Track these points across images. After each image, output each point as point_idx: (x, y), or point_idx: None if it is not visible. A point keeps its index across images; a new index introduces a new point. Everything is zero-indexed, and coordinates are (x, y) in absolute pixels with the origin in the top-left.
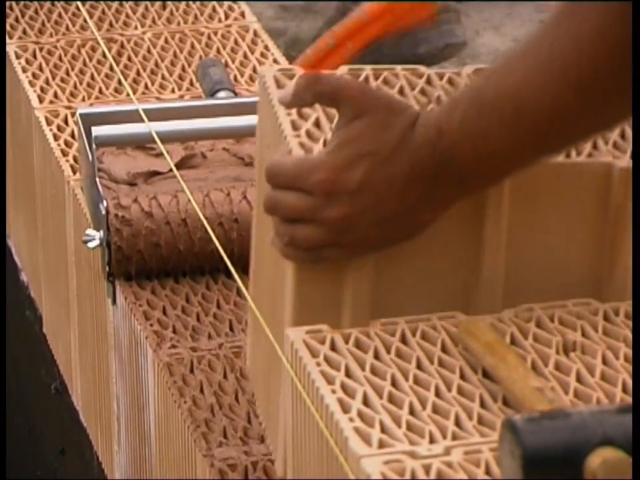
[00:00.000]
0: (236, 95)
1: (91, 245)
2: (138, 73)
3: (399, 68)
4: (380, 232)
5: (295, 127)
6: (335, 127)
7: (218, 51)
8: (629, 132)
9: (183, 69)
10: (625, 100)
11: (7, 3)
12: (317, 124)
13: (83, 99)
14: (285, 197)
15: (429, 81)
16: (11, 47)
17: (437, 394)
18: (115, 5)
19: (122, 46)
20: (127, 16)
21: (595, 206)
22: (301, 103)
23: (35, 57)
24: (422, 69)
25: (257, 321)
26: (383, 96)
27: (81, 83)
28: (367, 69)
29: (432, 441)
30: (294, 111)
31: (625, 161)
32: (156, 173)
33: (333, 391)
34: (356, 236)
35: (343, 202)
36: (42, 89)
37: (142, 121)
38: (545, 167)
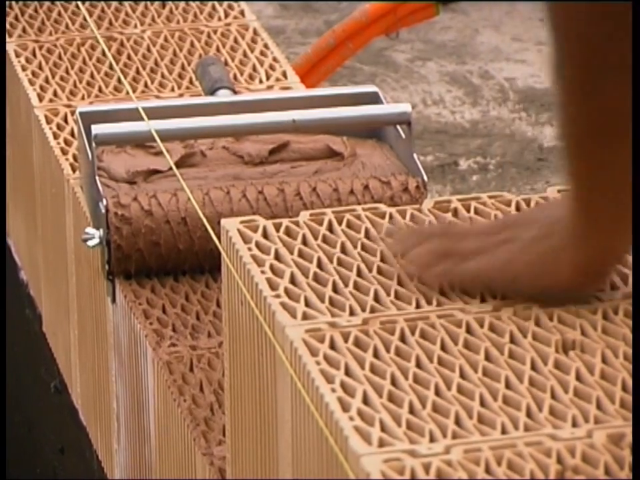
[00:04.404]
0: (235, 93)
1: (90, 243)
2: (137, 72)
3: (359, 209)
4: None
5: (271, 285)
6: None
7: (217, 50)
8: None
9: (183, 67)
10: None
11: (7, 2)
12: (293, 281)
13: (83, 98)
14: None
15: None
16: (10, 46)
17: (437, 392)
18: (115, 3)
19: (121, 44)
20: (127, 14)
21: None
22: None
23: (34, 55)
24: (382, 207)
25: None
26: None
27: (80, 82)
28: (329, 213)
29: (432, 439)
30: (267, 267)
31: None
32: (155, 172)
33: (333, 390)
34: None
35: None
36: (41, 88)
37: (141, 119)
38: None
